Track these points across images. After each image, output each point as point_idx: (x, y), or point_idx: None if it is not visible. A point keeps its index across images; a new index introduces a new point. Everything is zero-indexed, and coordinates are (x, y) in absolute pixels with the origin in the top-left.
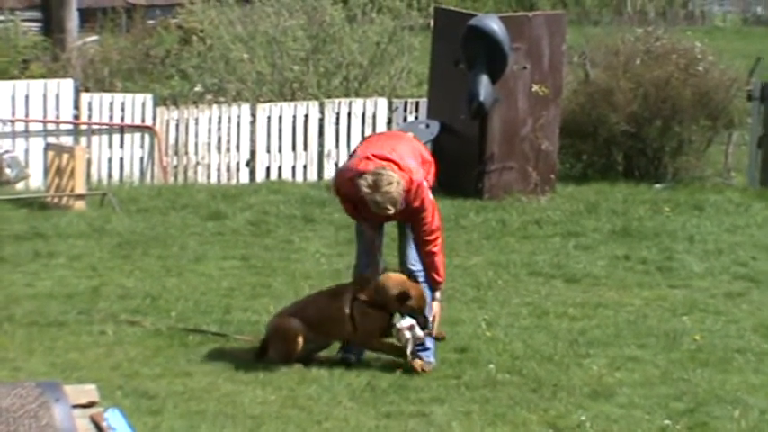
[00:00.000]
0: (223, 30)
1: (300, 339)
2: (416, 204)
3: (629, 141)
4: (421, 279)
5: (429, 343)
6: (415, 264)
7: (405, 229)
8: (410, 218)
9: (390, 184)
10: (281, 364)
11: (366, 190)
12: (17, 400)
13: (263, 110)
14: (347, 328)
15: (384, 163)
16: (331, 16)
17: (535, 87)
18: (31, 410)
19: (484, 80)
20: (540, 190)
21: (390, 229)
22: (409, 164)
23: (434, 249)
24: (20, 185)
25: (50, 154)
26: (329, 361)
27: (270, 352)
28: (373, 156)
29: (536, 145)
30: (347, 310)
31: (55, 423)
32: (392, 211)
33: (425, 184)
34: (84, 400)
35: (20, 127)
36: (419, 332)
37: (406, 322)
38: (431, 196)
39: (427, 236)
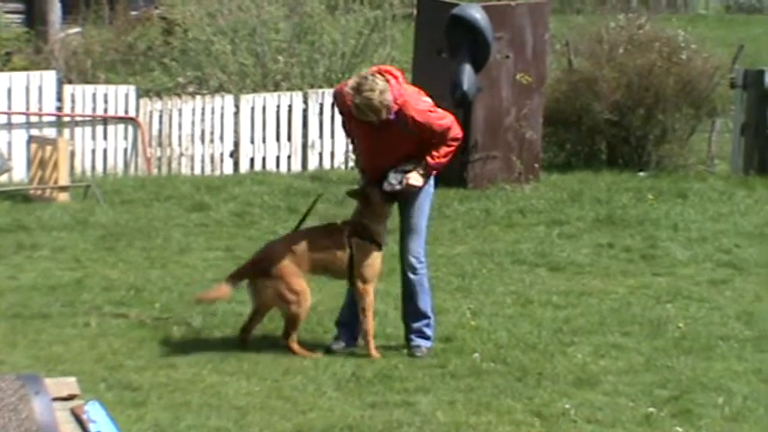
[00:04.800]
0: (205, 22)
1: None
2: (419, 119)
3: (613, 130)
4: (422, 272)
5: (429, 331)
6: (417, 257)
7: (407, 221)
8: (421, 133)
9: (372, 90)
10: (265, 353)
11: (349, 90)
12: None
13: (246, 101)
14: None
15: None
16: (312, 7)
17: (518, 76)
18: (10, 404)
19: (467, 69)
20: (524, 179)
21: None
22: (408, 87)
23: (439, 163)
24: (3, 178)
25: (33, 146)
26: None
27: None
28: (378, 69)
29: (520, 134)
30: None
31: (35, 416)
32: (373, 119)
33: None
34: (64, 393)
35: (2, 119)
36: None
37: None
38: (440, 112)
39: (439, 153)
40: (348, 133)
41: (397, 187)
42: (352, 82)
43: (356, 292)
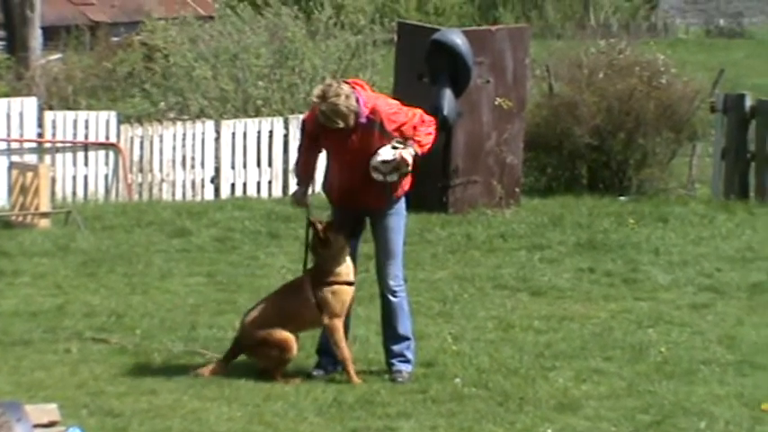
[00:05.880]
0: (186, 47)
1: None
2: (394, 119)
3: (594, 154)
4: (402, 295)
5: (410, 354)
6: (396, 279)
7: (383, 244)
8: (396, 132)
9: (338, 96)
10: (246, 379)
11: (315, 100)
12: None
13: (227, 126)
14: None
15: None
16: (292, 33)
17: (499, 101)
18: None
19: (447, 94)
20: (505, 203)
21: (368, 248)
22: (373, 93)
23: (426, 144)
24: None
25: (14, 172)
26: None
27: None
28: (344, 80)
29: (500, 158)
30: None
31: None
32: (340, 125)
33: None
34: (45, 420)
35: None
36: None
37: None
38: (406, 108)
39: (420, 134)
40: (306, 162)
41: (389, 158)
42: (317, 91)
43: (326, 328)
